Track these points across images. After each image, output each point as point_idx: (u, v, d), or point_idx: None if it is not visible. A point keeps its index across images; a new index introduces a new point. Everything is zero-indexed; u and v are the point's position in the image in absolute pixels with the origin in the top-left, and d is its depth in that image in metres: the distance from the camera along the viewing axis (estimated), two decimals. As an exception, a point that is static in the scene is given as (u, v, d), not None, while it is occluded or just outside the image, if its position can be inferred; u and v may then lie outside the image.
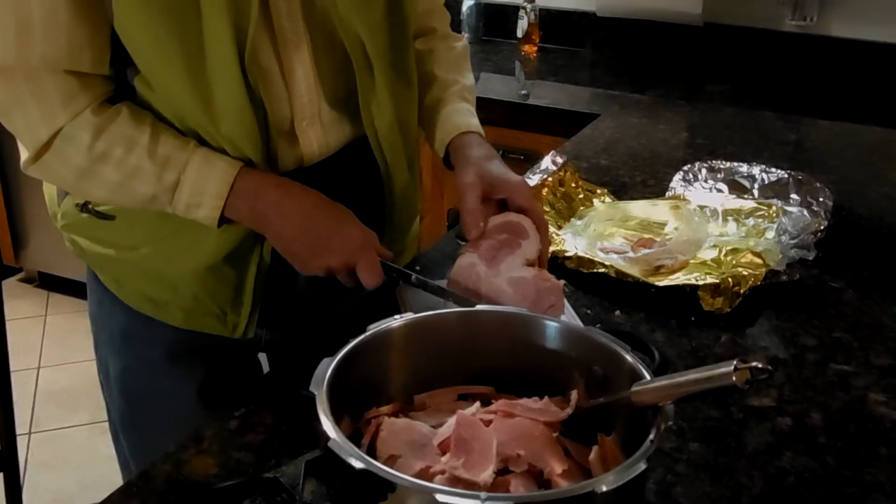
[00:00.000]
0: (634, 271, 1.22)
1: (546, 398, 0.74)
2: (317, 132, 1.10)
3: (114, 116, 1.00)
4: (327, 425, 0.63)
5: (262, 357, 1.31)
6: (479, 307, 0.82)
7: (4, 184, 3.24)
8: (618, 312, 1.18)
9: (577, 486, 0.64)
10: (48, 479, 2.42)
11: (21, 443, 1.42)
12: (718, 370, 0.61)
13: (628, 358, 0.71)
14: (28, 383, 2.84)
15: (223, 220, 1.03)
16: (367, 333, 0.74)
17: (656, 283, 1.19)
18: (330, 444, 0.61)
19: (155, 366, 1.20)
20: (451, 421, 0.71)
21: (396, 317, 0.77)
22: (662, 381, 0.67)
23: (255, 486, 0.59)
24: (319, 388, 0.66)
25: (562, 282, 1.03)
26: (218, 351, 1.19)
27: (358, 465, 0.59)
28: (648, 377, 0.69)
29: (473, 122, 1.19)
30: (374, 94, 1.09)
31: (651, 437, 0.61)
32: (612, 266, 1.23)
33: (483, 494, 0.57)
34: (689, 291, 1.18)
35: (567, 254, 1.26)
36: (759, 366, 0.60)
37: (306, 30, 1.05)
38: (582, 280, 1.23)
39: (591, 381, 0.74)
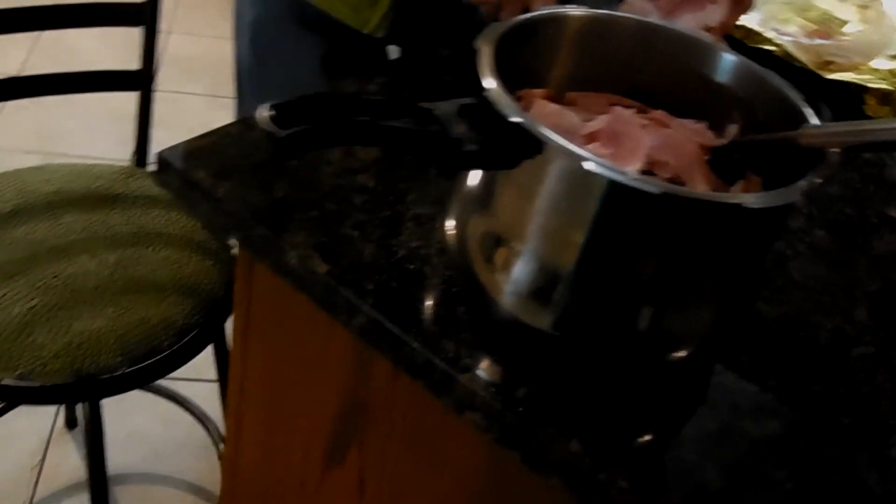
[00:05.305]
0: (803, 58, 1.15)
1: (705, 123, 0.71)
2: None
3: None
4: (488, 77, 0.61)
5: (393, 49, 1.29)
6: (659, 21, 0.77)
7: None
8: (774, 94, 1.12)
9: (726, 195, 0.62)
10: (160, 136, 2.52)
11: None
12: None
13: (799, 104, 0.67)
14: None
15: None
16: (540, 12, 0.70)
17: (823, 75, 1.12)
18: (486, 94, 0.60)
19: (284, 23, 1.19)
20: (604, 117, 0.69)
21: (572, 6, 0.73)
22: (839, 126, 0.63)
23: (409, 110, 0.59)
24: (487, 44, 0.64)
25: None
26: (348, 29, 1.15)
27: (514, 118, 0.58)
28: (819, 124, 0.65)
29: None
30: None
31: (811, 176, 0.58)
32: (782, 46, 1.15)
33: (632, 171, 0.56)
34: (855, 92, 1.11)
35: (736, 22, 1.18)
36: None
37: None
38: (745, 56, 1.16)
39: (752, 123, 0.71)
